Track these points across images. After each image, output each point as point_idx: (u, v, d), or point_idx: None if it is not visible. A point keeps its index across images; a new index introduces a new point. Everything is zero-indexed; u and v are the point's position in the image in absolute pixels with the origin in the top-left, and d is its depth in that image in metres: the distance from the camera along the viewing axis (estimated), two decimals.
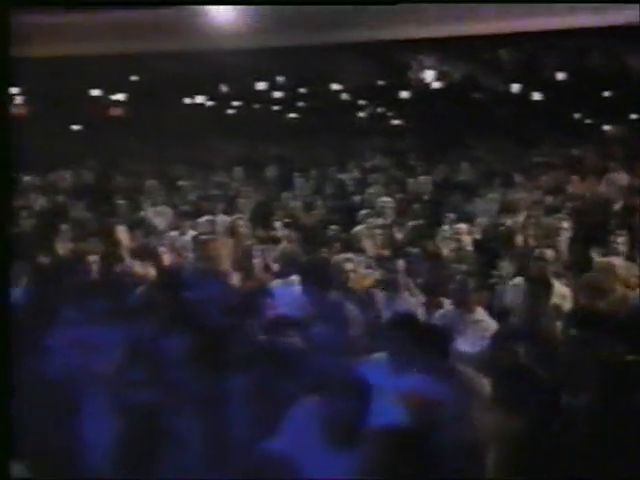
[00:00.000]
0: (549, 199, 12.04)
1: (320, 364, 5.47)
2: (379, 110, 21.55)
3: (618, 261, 8.47)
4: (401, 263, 7.68)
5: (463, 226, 9.52)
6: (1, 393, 4.01)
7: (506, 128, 16.79)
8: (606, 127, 20.38)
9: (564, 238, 9.51)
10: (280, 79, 20.23)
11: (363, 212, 10.63)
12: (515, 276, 7.88)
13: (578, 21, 12.37)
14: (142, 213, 11.46)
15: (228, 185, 14.16)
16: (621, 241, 8.96)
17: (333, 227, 9.81)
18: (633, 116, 20.06)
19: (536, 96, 17.25)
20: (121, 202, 11.93)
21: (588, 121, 20.15)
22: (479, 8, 13.02)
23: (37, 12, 14.76)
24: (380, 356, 5.52)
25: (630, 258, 8.77)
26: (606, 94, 18.03)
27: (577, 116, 19.74)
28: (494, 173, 13.99)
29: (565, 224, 9.81)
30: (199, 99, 23.65)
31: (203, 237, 8.12)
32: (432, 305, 7.30)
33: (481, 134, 16.63)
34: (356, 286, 7.44)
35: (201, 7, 14.96)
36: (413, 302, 7.28)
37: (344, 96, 20.23)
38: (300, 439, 4.48)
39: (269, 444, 4.56)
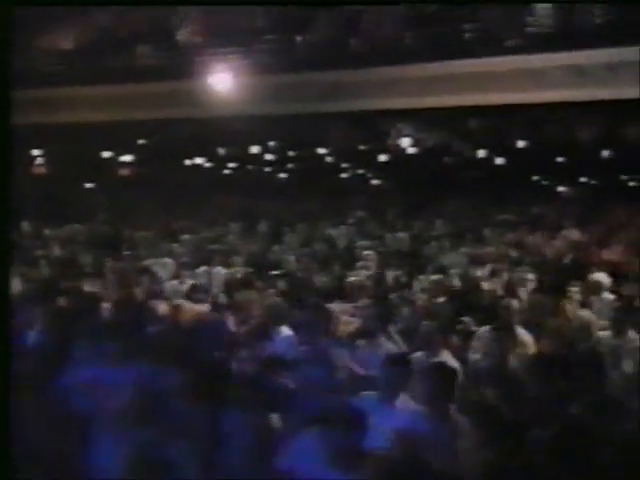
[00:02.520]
0: (513, 253, 12.06)
1: (313, 401, 5.40)
2: (360, 172, 21.63)
3: (575, 309, 8.48)
4: (381, 311, 7.62)
5: (437, 277, 9.51)
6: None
7: (475, 189, 16.87)
8: (561, 188, 20.50)
9: (527, 288, 9.50)
10: (272, 143, 20.30)
11: (347, 264, 10.60)
12: (483, 324, 7.82)
13: (538, 97, 12.49)
14: (147, 263, 11.36)
15: (225, 239, 14.10)
16: (576, 290, 8.97)
17: (320, 277, 9.77)
18: (583, 179, 20.20)
19: (500, 161, 17.36)
20: (128, 253, 11.85)
21: (545, 183, 20.27)
22: (452, 82, 13.17)
23: (55, 86, 14.85)
24: (369, 395, 5.45)
25: (584, 306, 8.78)
26: (560, 160, 18.15)
27: (536, 178, 19.86)
28: (465, 229, 14.01)
29: (528, 275, 9.82)
30: (199, 160, 23.69)
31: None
32: (410, 351, 7.21)
33: (453, 194, 16.70)
34: (341, 333, 7.37)
35: (201, 79, 15.08)
36: (392, 348, 7.20)
37: (329, 159, 20.29)
38: (305, 460, 4.46)
39: (276, 463, 4.56)
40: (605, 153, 17.15)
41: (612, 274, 9.78)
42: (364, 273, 10.12)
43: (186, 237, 13.83)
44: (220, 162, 23.86)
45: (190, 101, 15.70)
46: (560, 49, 12.14)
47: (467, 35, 13.49)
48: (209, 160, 23.78)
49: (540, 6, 12.96)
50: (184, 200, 19.41)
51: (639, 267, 10.50)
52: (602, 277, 9.54)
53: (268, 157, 21.62)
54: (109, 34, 16.49)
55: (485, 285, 9.58)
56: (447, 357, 6.77)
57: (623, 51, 11.60)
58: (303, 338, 6.80)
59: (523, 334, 7.45)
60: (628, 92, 11.62)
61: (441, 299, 8.80)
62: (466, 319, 8.07)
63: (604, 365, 6.51)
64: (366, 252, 11.36)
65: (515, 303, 7.89)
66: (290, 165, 22.87)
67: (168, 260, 11.34)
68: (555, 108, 13.03)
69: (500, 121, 14.88)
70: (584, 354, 7.22)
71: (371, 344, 7.16)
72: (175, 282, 9.93)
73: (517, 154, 16.60)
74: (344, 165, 21.37)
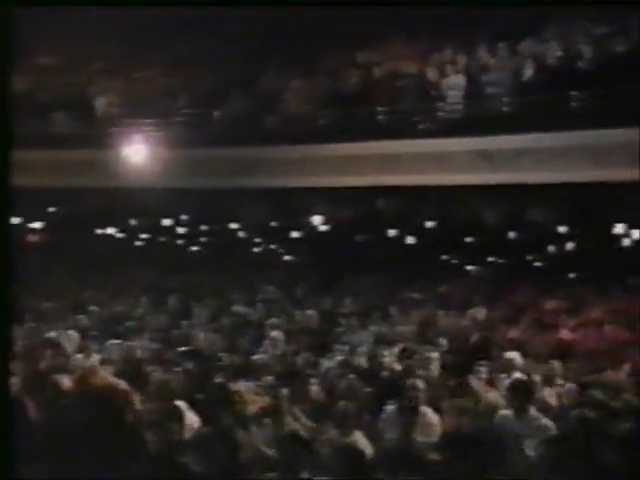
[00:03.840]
0: (421, 331, 12.18)
1: None
2: (272, 247, 21.66)
3: (481, 387, 8.59)
4: (285, 391, 7.60)
5: (347, 356, 9.53)
6: None
7: (385, 267, 17.04)
8: (469, 267, 20.82)
9: (434, 367, 9.59)
10: (185, 217, 20.23)
11: (254, 341, 10.56)
12: (389, 403, 7.84)
13: (447, 179, 12.82)
14: (51, 334, 11.05)
15: (134, 312, 13.90)
16: (483, 369, 9.09)
17: (226, 354, 9.69)
18: (491, 259, 20.58)
19: (410, 240, 17.63)
20: (32, 324, 11.54)
21: (454, 262, 20.55)
22: (365, 162, 13.44)
23: None
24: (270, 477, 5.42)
25: (490, 384, 8.89)
26: (469, 240, 18.50)
27: (445, 257, 20.14)
28: (374, 307, 14.09)
29: (435, 354, 9.92)
30: (110, 230, 23.41)
31: None
32: (317, 431, 7.19)
33: (363, 272, 16.84)
34: (246, 411, 7.30)
35: (116, 150, 15.05)
36: (297, 427, 7.15)
37: (241, 234, 20.30)
38: None
39: None
40: (511, 234, 17.57)
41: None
42: (271, 351, 10.09)
43: (94, 309, 13.59)
44: (132, 233, 23.62)
45: (104, 170, 15.62)
46: (469, 134, 12.54)
47: (380, 117, 13.80)
48: (121, 231, 23.53)
49: (451, 92, 13.39)
50: (94, 270, 19.09)
51: (543, 346, 10.73)
52: (514, 356, 9.70)
53: (180, 230, 21.50)
54: (25, 99, 16.33)
55: (392, 364, 9.64)
56: (358, 437, 6.78)
57: (527, 138, 12.04)
58: (208, 418, 6.72)
59: (429, 413, 7.51)
60: (531, 177, 12.04)
61: (350, 378, 8.82)
62: (376, 397, 8.12)
63: (506, 445, 6.61)
64: (274, 330, 11.33)
65: (421, 383, 7.94)
66: (202, 239, 22.77)
67: (74, 332, 11.09)
68: (463, 190, 13.38)
69: (411, 201, 15.18)
70: (488, 434, 7.31)
71: (277, 423, 7.13)
72: (80, 356, 9.72)
73: (427, 234, 16.90)
74: (256, 240, 21.39)
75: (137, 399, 7.43)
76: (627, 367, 9.85)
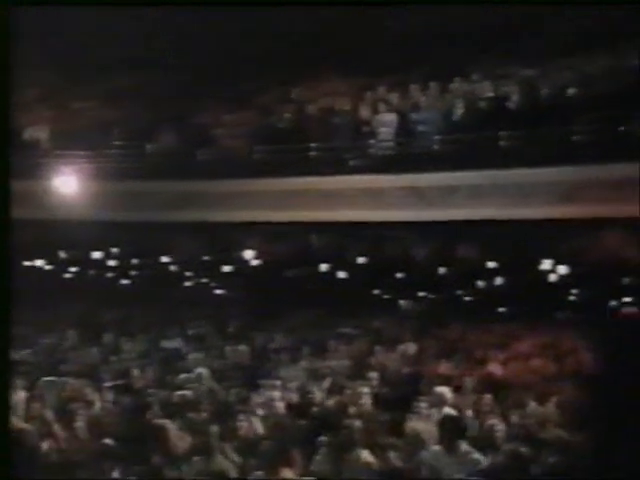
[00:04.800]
0: (353, 367, 12.18)
1: None
2: (204, 281, 21.47)
3: (419, 424, 8.59)
4: (215, 428, 7.50)
5: (277, 393, 9.46)
6: None
7: (316, 302, 17.03)
8: (400, 302, 20.93)
9: (365, 402, 9.57)
10: (115, 250, 19.93)
11: (184, 378, 10.41)
12: (320, 439, 7.78)
13: (379, 215, 12.89)
14: None
15: (62, 346, 13.62)
16: (417, 405, 9.11)
17: (156, 390, 9.54)
18: (421, 294, 20.74)
19: (341, 275, 17.65)
20: None
21: (386, 297, 20.64)
22: (297, 197, 13.45)
23: None
24: None
25: (421, 419, 8.91)
26: (399, 275, 18.59)
27: (376, 292, 20.21)
28: (305, 342, 14.06)
29: (366, 389, 9.91)
30: (38, 263, 22.95)
31: None
32: (245, 469, 7.09)
33: (295, 306, 16.80)
34: (175, 449, 7.17)
35: (46, 181, 14.80)
36: (226, 465, 7.05)
37: (173, 268, 20.08)
38: None
39: None
40: (441, 270, 17.71)
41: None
42: (201, 387, 9.96)
43: (21, 343, 13.26)
44: (61, 266, 23.19)
45: (33, 202, 15.32)
46: (400, 171, 12.64)
47: (313, 153, 13.84)
48: (49, 263, 23.08)
49: (383, 130, 13.50)
50: (20, 305, 18.65)
51: (473, 380, 10.80)
52: (444, 390, 9.74)
53: (111, 263, 21.17)
54: None
55: (323, 399, 9.60)
56: (287, 474, 6.71)
57: (457, 175, 12.20)
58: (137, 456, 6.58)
59: (359, 449, 7.49)
60: (461, 213, 12.19)
61: (281, 414, 8.76)
62: (306, 433, 8.06)
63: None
64: (203, 367, 11.21)
65: (353, 417, 7.93)
66: (133, 272, 22.46)
67: None
68: (395, 226, 13.46)
69: (343, 237, 15.21)
70: (420, 468, 7.32)
71: (208, 461, 7.02)
72: None
73: (358, 269, 16.94)
74: (188, 274, 21.20)
75: (63, 438, 7.27)
76: (554, 400, 9.98)
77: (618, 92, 11.39)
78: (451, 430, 7.54)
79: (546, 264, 15.58)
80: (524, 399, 9.90)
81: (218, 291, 21.46)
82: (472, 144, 12.02)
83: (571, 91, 11.99)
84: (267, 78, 15.67)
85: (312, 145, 13.71)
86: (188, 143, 15.21)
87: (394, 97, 13.96)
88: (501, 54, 13.46)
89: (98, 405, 8.76)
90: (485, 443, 7.96)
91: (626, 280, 17.18)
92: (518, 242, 14.04)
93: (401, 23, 14.01)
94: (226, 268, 18.30)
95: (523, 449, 7.49)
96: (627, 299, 19.56)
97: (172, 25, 14.17)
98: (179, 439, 7.35)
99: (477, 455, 7.33)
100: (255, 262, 17.07)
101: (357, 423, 7.97)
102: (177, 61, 15.85)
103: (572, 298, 19.06)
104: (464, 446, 7.37)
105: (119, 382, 10.16)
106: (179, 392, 9.44)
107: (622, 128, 11.11)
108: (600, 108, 11.24)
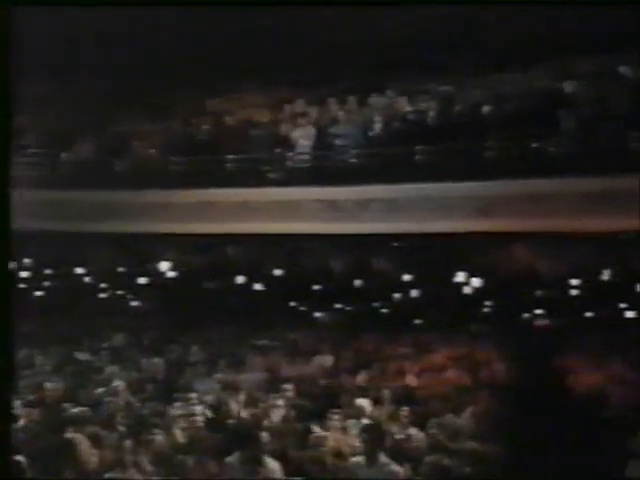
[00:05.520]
0: (269, 379, 12.10)
1: None
2: (119, 293, 21.11)
3: (331, 435, 8.58)
4: (129, 442, 7.36)
5: (192, 406, 9.33)
6: None
7: (233, 314, 16.90)
8: (317, 314, 20.91)
9: (281, 415, 9.53)
10: (27, 260, 19.45)
11: (100, 391, 10.20)
12: (234, 452, 7.70)
13: (295, 227, 12.88)
14: None
15: None
16: (327, 416, 9.10)
17: (70, 404, 9.31)
18: (337, 306, 20.76)
19: (258, 287, 17.58)
20: None
21: (302, 309, 20.59)
22: (214, 209, 13.35)
23: None
24: None
25: (342, 431, 8.90)
26: (316, 287, 18.60)
27: (292, 305, 20.16)
28: (221, 354, 13.92)
29: (281, 402, 9.86)
30: None
31: None
32: None
33: (211, 318, 16.63)
34: (87, 465, 7.01)
35: None
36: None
37: (87, 279, 19.69)
38: None
39: None
40: (357, 282, 17.79)
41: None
42: (116, 401, 9.76)
43: None
44: None
45: None
46: (317, 184, 12.67)
47: (230, 165, 13.76)
48: None
49: (301, 143, 13.51)
50: None
51: (390, 391, 10.85)
52: (362, 402, 9.76)
53: (24, 274, 20.64)
54: None
55: (238, 412, 9.52)
56: None
57: (374, 189, 12.29)
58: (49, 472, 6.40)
59: (271, 463, 7.43)
60: (377, 227, 12.28)
61: (196, 427, 8.64)
62: (220, 447, 7.96)
63: None
64: (118, 379, 11.00)
65: (265, 432, 7.88)
66: (46, 284, 21.95)
67: None
68: (311, 239, 13.49)
69: (259, 249, 15.17)
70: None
71: (123, 475, 6.88)
72: None
73: (275, 281, 16.90)
74: (103, 286, 20.81)
75: None
76: (469, 411, 10.09)
77: (530, 111, 11.66)
78: (370, 441, 7.56)
79: (460, 277, 15.81)
80: (439, 410, 9.97)
81: (134, 303, 21.12)
82: (388, 158, 12.13)
83: (485, 108, 12.21)
84: (186, 89, 15.55)
85: (230, 157, 13.66)
86: (105, 153, 14.97)
87: (313, 110, 14.00)
88: (419, 70, 13.63)
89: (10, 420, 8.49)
90: (402, 455, 7.99)
91: (538, 292, 17.56)
92: (433, 255, 14.22)
93: (320, 37, 14.07)
94: (142, 280, 18.04)
95: (440, 460, 7.56)
96: (539, 311, 19.98)
97: (92, 32, 13.93)
98: (92, 454, 7.18)
99: (395, 466, 7.36)
100: (171, 274, 16.88)
101: (271, 435, 7.92)
102: (96, 69, 15.59)
103: (486, 310, 19.36)
104: (383, 458, 7.39)
105: (33, 396, 9.88)
106: (94, 406, 9.24)
107: (534, 145, 11.36)
108: (513, 125, 11.49)
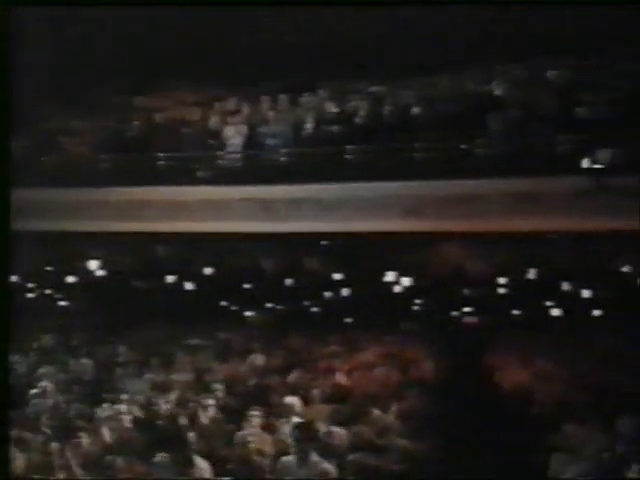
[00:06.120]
0: (199, 379, 12.03)
1: None
2: (47, 292, 20.77)
3: (255, 433, 8.58)
4: (55, 445, 7.25)
5: (122, 406, 9.23)
6: None
7: (163, 313, 16.76)
8: (248, 314, 20.86)
9: (211, 415, 9.49)
10: None
11: (26, 392, 10.02)
12: (163, 453, 7.63)
13: (226, 227, 12.82)
14: None
15: None
16: (257, 414, 9.10)
17: None
18: (268, 305, 20.77)
19: (188, 286, 17.49)
20: None
21: (233, 308, 20.54)
22: (144, 208, 13.20)
23: None
24: None
25: (266, 430, 8.90)
26: (247, 286, 18.57)
27: (223, 304, 20.09)
28: (151, 354, 13.78)
29: (213, 402, 9.82)
30: None
31: None
32: None
33: (141, 318, 16.47)
34: (16, 469, 6.88)
35: None
36: None
37: (14, 278, 19.34)
38: None
39: None
40: (288, 281, 17.83)
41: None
42: (43, 402, 9.60)
43: None
44: None
45: None
46: (248, 183, 12.64)
47: (161, 163, 13.64)
48: None
49: (232, 142, 13.46)
50: None
51: (320, 390, 10.88)
52: (293, 401, 9.76)
53: None
54: None
55: (168, 412, 9.45)
56: None
57: (304, 188, 12.31)
58: None
59: (201, 463, 7.40)
60: (308, 226, 12.30)
61: (125, 428, 8.55)
62: (150, 447, 7.90)
63: None
64: (45, 382, 10.80)
65: (194, 432, 7.84)
66: None
67: None
68: (242, 238, 13.44)
69: (189, 248, 15.07)
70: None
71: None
72: None
73: (206, 280, 16.83)
74: (30, 285, 20.45)
75: None
76: (398, 408, 10.19)
77: (460, 112, 11.82)
78: (301, 440, 7.57)
79: (390, 276, 15.95)
80: (369, 408, 10.04)
81: (62, 302, 20.81)
82: (319, 158, 12.16)
83: (416, 110, 12.33)
84: (117, 86, 15.36)
85: (160, 155, 13.53)
86: (33, 150, 14.70)
87: (244, 109, 13.96)
88: (351, 71, 13.69)
89: None
90: (331, 453, 8.02)
91: (467, 291, 17.82)
92: (363, 254, 14.32)
93: (252, 36, 14.04)
94: (70, 279, 17.79)
95: (368, 459, 7.61)
96: (467, 309, 20.28)
97: (24, 26, 13.65)
98: (19, 458, 7.05)
99: (327, 465, 7.38)
100: (100, 273, 16.66)
101: (200, 435, 7.88)
102: (26, 66, 15.28)
103: (415, 309, 19.57)
104: (314, 456, 7.41)
105: None
106: (21, 408, 9.08)
107: (463, 146, 11.52)
108: (442, 127, 11.63)
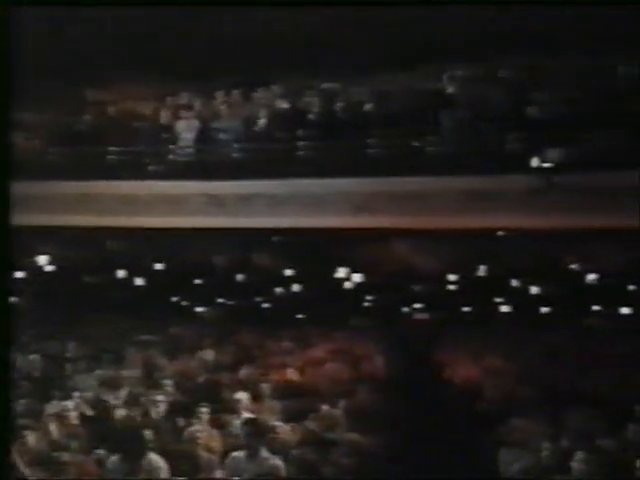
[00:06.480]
0: (148, 375, 11.98)
1: None
2: None
3: (202, 429, 8.57)
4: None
5: (71, 403, 9.15)
6: None
7: (113, 309, 16.66)
8: (199, 309, 20.83)
9: (162, 411, 9.46)
10: None
11: None
12: (114, 450, 7.59)
13: (174, 222, 12.74)
14: None
15: None
16: (205, 411, 9.09)
17: None
18: (220, 300, 20.75)
19: (139, 282, 17.39)
20: None
21: (184, 304, 20.50)
22: (94, 202, 13.06)
23: None
24: None
25: (214, 425, 8.90)
26: (198, 282, 18.54)
27: (174, 299, 20.04)
28: (101, 350, 13.68)
29: (164, 398, 9.79)
30: None
31: None
32: None
33: (91, 313, 16.35)
34: None
35: None
36: None
37: None
38: None
39: None
40: (239, 277, 17.83)
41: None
42: None
43: None
44: None
45: None
46: (200, 178, 12.57)
47: (112, 157, 13.51)
48: None
49: (184, 136, 13.37)
50: None
51: (271, 386, 10.91)
52: (242, 397, 9.77)
53: None
54: None
55: (119, 409, 9.39)
56: None
57: (256, 184, 12.28)
58: None
59: (155, 460, 7.36)
60: (259, 222, 12.30)
61: (75, 424, 8.48)
62: (100, 449, 7.80)
63: None
64: None
65: (145, 428, 7.80)
66: None
67: None
68: (193, 233, 13.37)
69: (140, 243, 14.95)
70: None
71: None
72: None
73: (156, 275, 16.74)
74: None
75: None
76: (348, 403, 10.26)
77: (412, 110, 11.90)
78: (251, 436, 7.58)
79: (341, 272, 16.02)
80: (319, 403, 10.09)
81: (9, 299, 20.47)
82: (271, 153, 12.16)
83: (368, 107, 12.38)
84: (68, 78, 15.17)
85: (111, 149, 13.39)
86: None
87: (197, 104, 13.89)
88: (305, 68, 13.69)
89: None
90: (280, 449, 8.04)
91: (417, 288, 17.97)
92: (314, 250, 14.35)
93: (205, 31, 13.97)
94: (18, 274, 17.55)
95: (316, 453, 7.66)
96: (418, 305, 20.45)
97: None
98: None
99: (276, 461, 7.40)
100: (49, 268, 16.47)
101: (151, 432, 7.84)
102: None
103: (366, 305, 19.71)
104: (264, 452, 7.42)
105: None
106: None
107: (415, 144, 11.60)
108: (395, 124, 11.69)
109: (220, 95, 13.89)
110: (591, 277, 15.45)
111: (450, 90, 12.49)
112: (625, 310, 18.43)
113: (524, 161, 10.69)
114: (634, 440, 8.26)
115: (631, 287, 16.57)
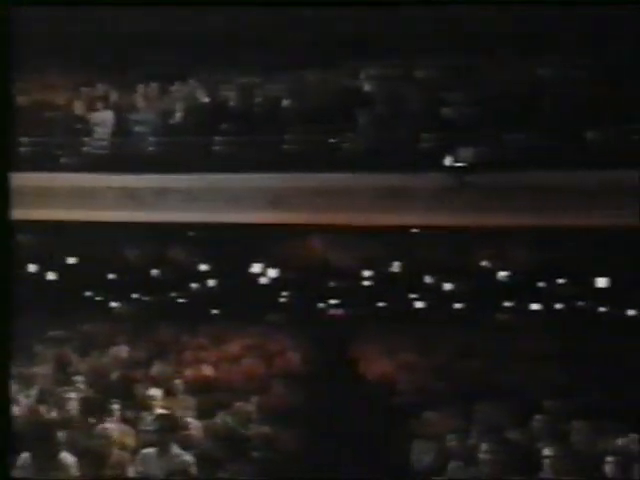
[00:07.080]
0: (59, 371, 11.81)
1: None
2: None
3: (114, 426, 8.51)
4: None
5: None
6: None
7: (24, 304, 16.26)
8: (112, 304, 20.54)
9: (73, 408, 9.35)
10: None
11: None
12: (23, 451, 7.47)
13: (88, 215, 12.56)
14: None
15: None
16: (119, 407, 9.03)
17: None
18: (134, 296, 20.47)
19: (51, 276, 17.10)
20: None
21: (97, 299, 20.20)
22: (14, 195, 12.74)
23: None
24: None
25: (126, 422, 8.85)
26: (111, 276, 18.27)
27: (87, 294, 19.72)
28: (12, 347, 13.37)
29: (72, 395, 9.68)
30: None
31: None
32: None
33: (0, 309, 15.96)
34: None
35: None
36: None
37: None
38: None
39: None
40: (154, 272, 17.66)
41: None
42: None
43: None
44: None
45: None
46: (114, 171, 12.42)
47: (23, 149, 13.22)
48: None
49: (98, 129, 13.18)
50: None
51: (185, 382, 10.87)
52: (156, 393, 9.72)
53: None
54: None
55: (30, 407, 9.25)
56: None
57: (171, 178, 12.20)
58: None
59: (66, 458, 7.29)
60: (174, 216, 12.22)
61: None
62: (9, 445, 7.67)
63: None
64: None
65: (57, 426, 7.72)
66: None
67: None
68: (107, 227, 13.19)
69: (51, 237, 14.68)
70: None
71: None
72: None
73: (68, 270, 16.46)
74: None
75: None
76: (262, 399, 10.32)
77: (329, 107, 12.00)
78: (163, 432, 7.56)
79: (256, 267, 16.03)
80: (233, 399, 10.11)
81: None
82: (187, 148, 12.10)
83: (285, 102, 12.43)
84: None
85: (22, 140, 13.10)
86: None
87: (112, 95, 13.71)
88: (223, 60, 13.65)
89: None
90: (191, 444, 8.04)
91: (332, 283, 18.09)
92: (230, 246, 14.33)
93: (124, 23, 13.80)
94: None
95: (227, 448, 7.70)
96: (333, 301, 20.59)
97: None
98: None
99: (187, 457, 7.40)
100: None
101: (63, 430, 7.76)
102: None
103: (282, 300, 19.74)
104: (175, 448, 7.42)
105: None
106: None
107: (331, 140, 11.69)
108: (312, 120, 11.77)
109: (136, 88, 13.75)
110: (502, 274, 15.79)
111: (367, 88, 12.63)
112: (535, 306, 18.91)
113: (438, 160, 10.88)
114: (539, 431, 8.53)
115: (541, 284, 17.02)
